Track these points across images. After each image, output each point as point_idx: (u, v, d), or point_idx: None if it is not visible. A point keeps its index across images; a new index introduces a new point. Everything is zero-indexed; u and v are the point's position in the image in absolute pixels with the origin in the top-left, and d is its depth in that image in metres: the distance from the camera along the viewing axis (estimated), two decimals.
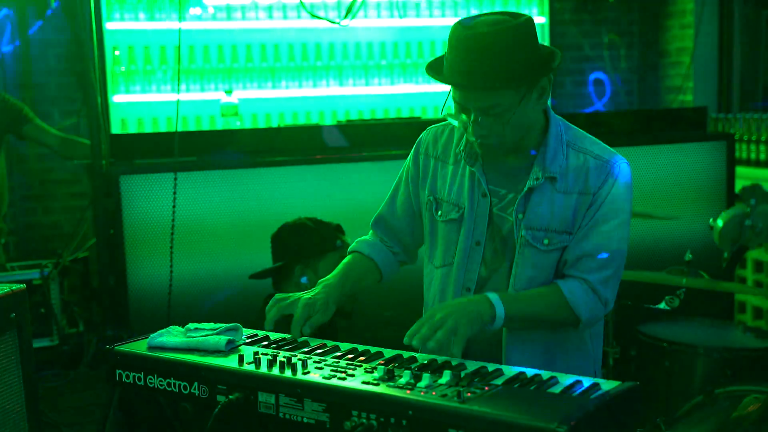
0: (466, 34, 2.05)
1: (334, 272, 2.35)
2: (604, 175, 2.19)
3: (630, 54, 6.47)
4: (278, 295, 2.24)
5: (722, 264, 1.97)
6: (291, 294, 2.24)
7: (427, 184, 2.37)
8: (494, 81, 2.03)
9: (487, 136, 2.12)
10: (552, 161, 2.18)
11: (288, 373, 1.84)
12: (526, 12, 5.94)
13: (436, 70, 2.16)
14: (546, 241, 2.18)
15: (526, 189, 2.19)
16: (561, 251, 2.19)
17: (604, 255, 2.18)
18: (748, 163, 5.32)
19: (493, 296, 2.08)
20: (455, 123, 2.18)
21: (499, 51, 2.02)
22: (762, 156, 5.27)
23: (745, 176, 5.09)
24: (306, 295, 2.23)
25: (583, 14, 6.30)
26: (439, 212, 2.32)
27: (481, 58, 2.02)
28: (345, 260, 2.42)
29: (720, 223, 1.90)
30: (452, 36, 2.08)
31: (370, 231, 2.51)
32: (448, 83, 2.11)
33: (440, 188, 2.34)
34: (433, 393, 1.70)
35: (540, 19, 6.09)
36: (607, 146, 2.26)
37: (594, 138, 2.28)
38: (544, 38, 6.10)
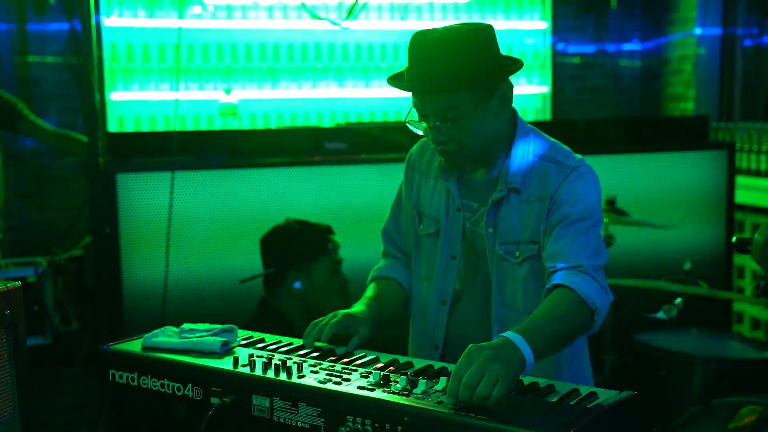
0: (420, 39, 2.08)
1: (364, 297, 2.33)
2: (562, 178, 2.14)
3: (632, 61, 6.48)
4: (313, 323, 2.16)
5: (760, 283, 1.77)
6: (327, 317, 2.17)
7: (413, 197, 2.39)
8: (446, 82, 2.04)
9: (446, 142, 2.13)
10: (515, 172, 2.18)
11: (283, 376, 1.84)
12: (527, 16, 6.01)
13: (398, 79, 2.17)
14: (517, 254, 2.18)
15: (490, 202, 2.19)
16: (531, 260, 2.17)
17: (589, 247, 2.09)
18: (748, 172, 5.33)
19: (514, 337, 1.81)
20: (416, 130, 2.18)
21: (452, 54, 2.03)
22: (763, 166, 5.27)
23: (745, 186, 5.10)
24: (346, 311, 2.19)
25: (586, 20, 6.30)
26: (421, 226, 2.36)
27: (435, 61, 2.04)
28: (369, 289, 2.39)
29: (760, 237, 1.70)
30: (409, 45, 2.10)
31: (382, 249, 2.52)
32: (405, 89, 2.13)
33: (423, 202, 2.36)
34: (429, 399, 1.70)
35: (542, 24, 6.10)
36: (575, 154, 2.22)
37: (564, 147, 2.24)
38: (545, 44, 6.11)
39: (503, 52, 2.18)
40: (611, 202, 3.78)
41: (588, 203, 2.14)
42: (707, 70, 6.08)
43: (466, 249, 2.27)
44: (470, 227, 2.25)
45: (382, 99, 5.91)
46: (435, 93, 2.07)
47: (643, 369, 3.61)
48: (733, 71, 6.09)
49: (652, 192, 4.39)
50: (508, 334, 1.81)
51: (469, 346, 1.76)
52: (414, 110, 2.16)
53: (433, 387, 1.76)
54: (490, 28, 2.12)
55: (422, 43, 2.07)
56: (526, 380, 1.85)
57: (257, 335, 2.19)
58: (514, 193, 2.18)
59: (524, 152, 2.19)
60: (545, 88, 6.17)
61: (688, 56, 6.14)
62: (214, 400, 1.89)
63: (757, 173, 5.30)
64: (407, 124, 2.19)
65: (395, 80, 2.17)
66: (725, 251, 4.62)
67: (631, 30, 6.43)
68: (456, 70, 2.03)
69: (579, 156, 2.22)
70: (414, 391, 1.74)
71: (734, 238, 1.84)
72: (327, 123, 5.76)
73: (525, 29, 6.09)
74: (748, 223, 5.27)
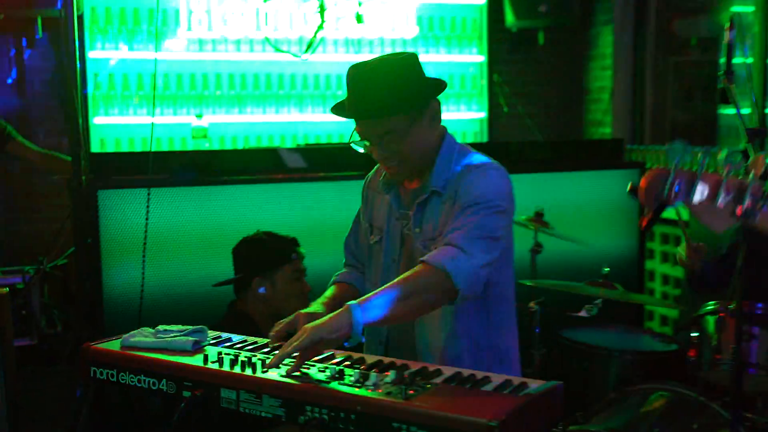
0: (355, 72, 2.11)
1: (323, 296, 2.33)
2: (466, 175, 2.15)
3: (557, 91, 6.57)
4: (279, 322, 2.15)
5: (642, 222, 1.82)
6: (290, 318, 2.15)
7: (367, 213, 2.42)
8: (383, 109, 2.07)
9: (390, 158, 2.16)
10: (437, 177, 2.19)
11: (248, 371, 1.83)
12: (467, 51, 6.07)
13: (339, 108, 2.19)
14: (432, 248, 2.16)
15: (415, 205, 2.22)
16: None
17: (467, 225, 2.04)
18: None
19: (352, 303, 1.92)
20: (359, 149, 2.21)
21: (385, 82, 2.07)
22: None
23: None
24: (305, 310, 2.18)
25: (517, 54, 6.38)
26: (371, 236, 2.38)
27: (371, 91, 2.07)
28: (328, 290, 2.40)
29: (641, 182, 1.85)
30: (347, 77, 2.13)
31: (343, 260, 2.53)
32: (347, 117, 2.15)
33: (374, 216, 2.39)
34: (380, 390, 1.70)
35: (479, 58, 6.16)
36: (489, 160, 2.22)
37: (482, 156, 2.24)
38: (482, 75, 6.16)
39: (446, 80, 2.21)
40: (539, 215, 3.82)
41: (482, 191, 2.09)
42: (622, 99, 6.20)
43: (404, 253, 2.28)
44: (406, 233, 2.28)
45: (338, 123, 5.90)
46: (375, 119, 2.10)
47: (568, 361, 3.64)
48: (644, 100, 6.22)
49: (574, 206, 4.45)
50: (351, 302, 1.91)
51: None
52: (356, 132, 2.18)
53: (383, 379, 1.76)
54: (414, 55, 2.16)
55: (358, 75, 2.10)
56: (465, 372, 1.87)
57: (225, 335, 2.18)
58: (436, 196, 2.20)
59: (447, 161, 2.21)
60: (482, 114, 6.23)
61: (606, 87, 6.25)
62: (186, 394, 1.87)
63: None
64: (351, 145, 2.21)
65: (337, 109, 2.19)
66: (638, 258, 4.70)
67: (556, 64, 6.52)
68: (390, 96, 2.06)
69: (493, 161, 2.21)
70: (365, 383, 1.74)
71: (628, 187, 1.89)
72: (289, 144, 5.74)
73: (464, 62, 6.15)
74: (657, 232, 5.37)
